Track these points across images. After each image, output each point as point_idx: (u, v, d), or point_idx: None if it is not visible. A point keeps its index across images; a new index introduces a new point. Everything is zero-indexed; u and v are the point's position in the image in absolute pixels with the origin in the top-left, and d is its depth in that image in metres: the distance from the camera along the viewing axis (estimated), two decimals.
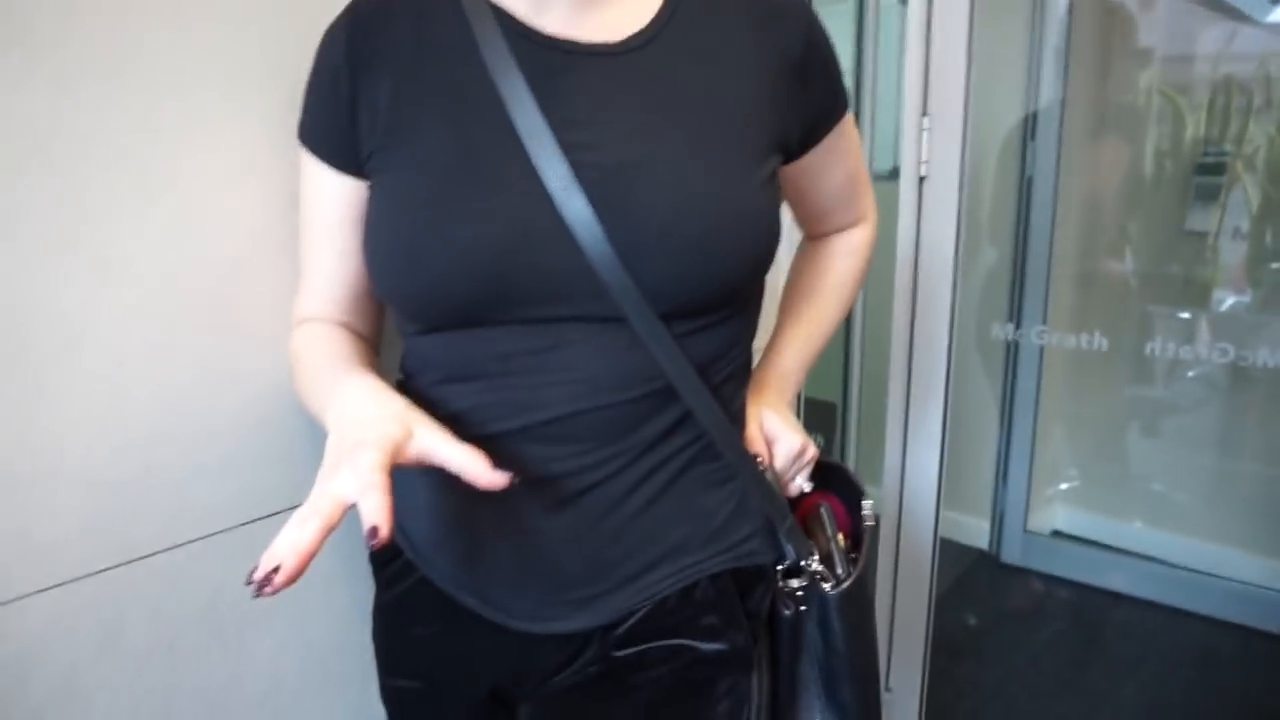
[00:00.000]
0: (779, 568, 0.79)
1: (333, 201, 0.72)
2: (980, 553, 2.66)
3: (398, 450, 0.56)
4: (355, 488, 0.53)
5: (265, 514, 0.87)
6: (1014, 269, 2.44)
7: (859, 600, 0.81)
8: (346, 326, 0.78)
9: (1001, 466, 2.60)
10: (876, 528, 0.87)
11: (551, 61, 0.66)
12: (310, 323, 0.77)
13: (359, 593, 0.92)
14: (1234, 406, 2.37)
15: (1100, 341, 2.12)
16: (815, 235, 0.91)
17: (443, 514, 0.73)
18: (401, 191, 0.67)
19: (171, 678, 0.81)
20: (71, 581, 0.75)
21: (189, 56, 0.76)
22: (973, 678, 2.11)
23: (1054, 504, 2.68)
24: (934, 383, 1.58)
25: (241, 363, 0.83)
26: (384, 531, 0.51)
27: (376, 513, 0.51)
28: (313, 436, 0.84)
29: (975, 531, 2.66)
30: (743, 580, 0.76)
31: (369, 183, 0.70)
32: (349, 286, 0.76)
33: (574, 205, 0.62)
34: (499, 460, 0.58)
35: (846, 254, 0.89)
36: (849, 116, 0.79)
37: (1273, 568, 2.31)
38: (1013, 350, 2.50)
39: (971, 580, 2.55)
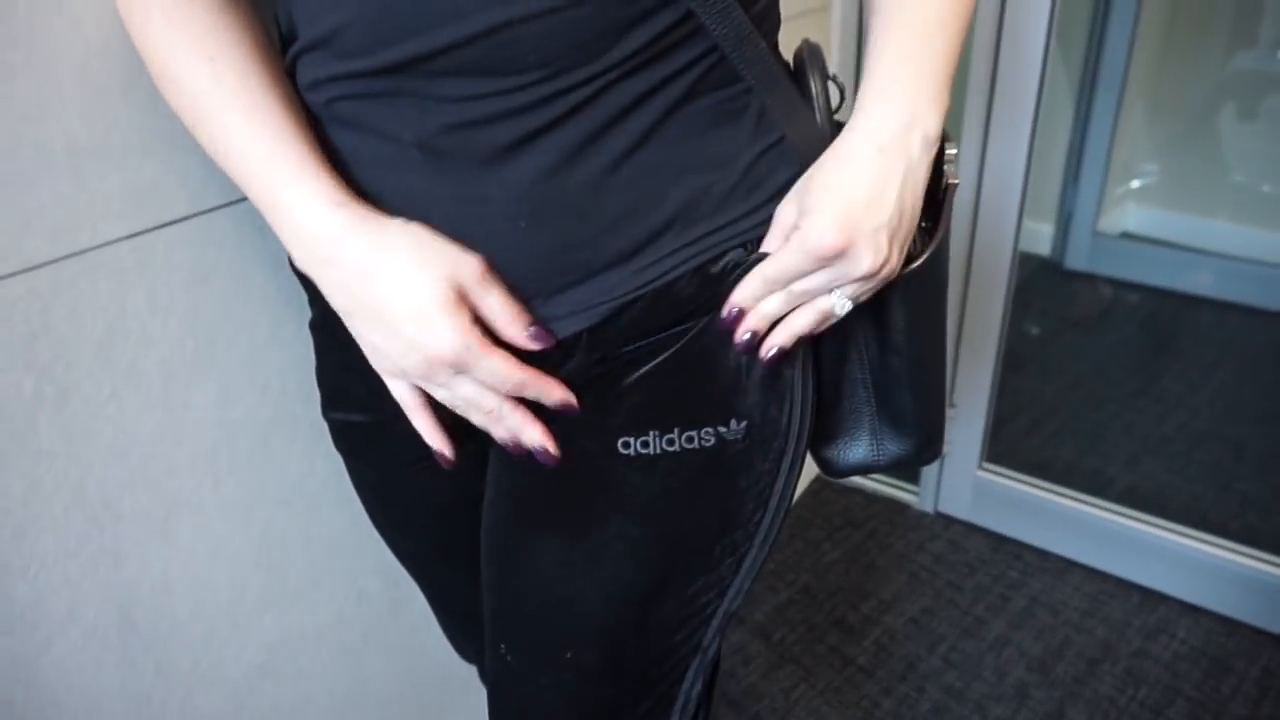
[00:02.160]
0: None
1: None
2: (1042, 259, 2.45)
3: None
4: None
5: (160, 223, 0.65)
6: None
7: (931, 283, 0.58)
8: None
9: (1074, 162, 2.33)
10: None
11: None
12: None
13: None
14: None
15: None
16: None
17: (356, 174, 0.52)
18: None
19: (68, 436, 0.63)
20: None
21: None
22: (1035, 389, 1.97)
23: (1125, 203, 2.46)
24: (1031, 48, 1.26)
25: None
26: (553, 449, 0.53)
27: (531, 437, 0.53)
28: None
29: (1036, 236, 2.46)
30: None
31: None
32: None
33: None
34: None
35: None
36: None
37: None
38: (1101, 15, 2.11)
39: (1032, 288, 2.36)
